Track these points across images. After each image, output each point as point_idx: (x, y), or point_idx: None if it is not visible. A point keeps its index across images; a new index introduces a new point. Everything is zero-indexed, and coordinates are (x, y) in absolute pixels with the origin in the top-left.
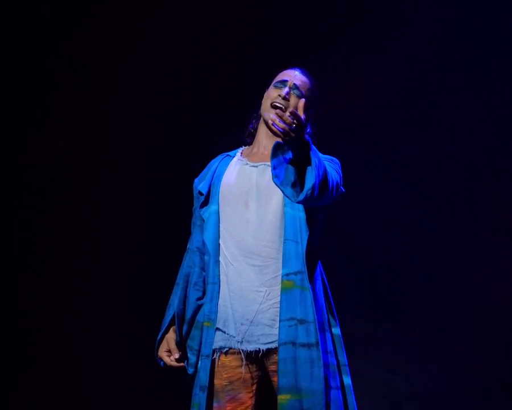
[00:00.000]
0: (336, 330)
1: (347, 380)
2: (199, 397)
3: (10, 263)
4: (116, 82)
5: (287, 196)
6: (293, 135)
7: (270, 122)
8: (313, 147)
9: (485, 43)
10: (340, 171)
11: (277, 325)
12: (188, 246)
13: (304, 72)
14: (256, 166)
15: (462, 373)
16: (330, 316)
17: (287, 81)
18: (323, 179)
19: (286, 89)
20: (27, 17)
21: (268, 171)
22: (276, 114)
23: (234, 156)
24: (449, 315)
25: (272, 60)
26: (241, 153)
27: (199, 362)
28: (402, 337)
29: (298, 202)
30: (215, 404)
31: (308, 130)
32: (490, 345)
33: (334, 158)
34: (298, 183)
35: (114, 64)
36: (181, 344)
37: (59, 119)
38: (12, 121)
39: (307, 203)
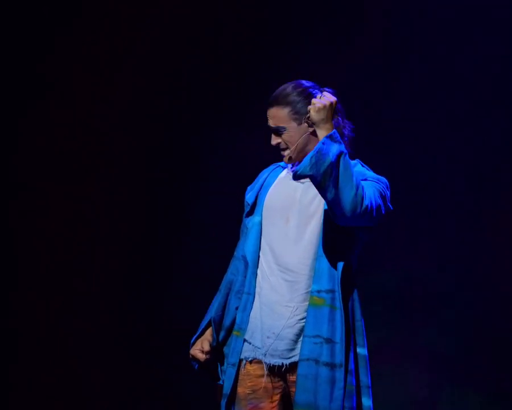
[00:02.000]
0: (362, 350)
1: (366, 402)
2: (221, 405)
3: (10, 263)
4: (116, 82)
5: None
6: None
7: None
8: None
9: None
10: (386, 191)
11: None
12: (234, 253)
13: (276, 100)
14: (303, 182)
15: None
16: (358, 336)
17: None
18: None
19: (272, 140)
20: (25, 16)
21: (313, 189)
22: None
23: (285, 168)
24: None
25: (272, 60)
26: (292, 165)
27: (226, 370)
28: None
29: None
30: None
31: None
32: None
33: (381, 178)
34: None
35: (114, 64)
36: (217, 350)
37: (59, 119)
38: (12, 120)
39: (344, 221)
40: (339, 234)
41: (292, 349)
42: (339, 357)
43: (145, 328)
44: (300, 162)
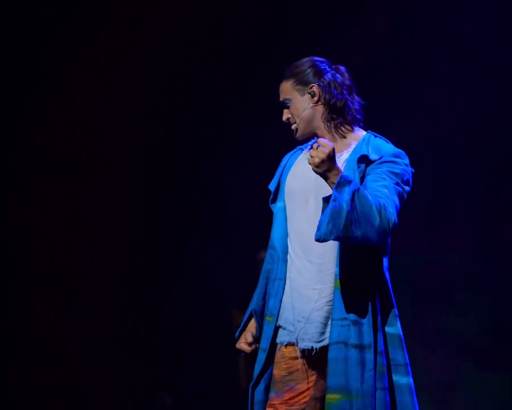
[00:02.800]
0: (392, 329)
1: (402, 380)
2: (249, 388)
3: (9, 263)
4: (117, 82)
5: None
6: (319, 164)
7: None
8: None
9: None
10: (404, 185)
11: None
12: (269, 242)
13: (284, 73)
14: None
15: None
16: (387, 316)
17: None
18: (342, 228)
19: (283, 116)
20: (25, 16)
21: None
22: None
23: (304, 149)
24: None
25: (272, 60)
26: (311, 146)
27: (258, 355)
28: None
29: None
30: (272, 394)
31: (335, 96)
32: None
33: (398, 159)
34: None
35: (114, 64)
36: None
37: (59, 120)
38: (12, 121)
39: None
40: None
41: (323, 333)
42: (368, 338)
43: (145, 328)
44: (308, 136)
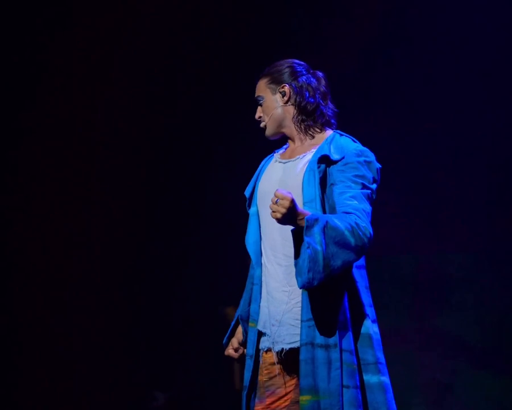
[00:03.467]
0: (361, 328)
1: (373, 379)
2: (242, 397)
3: (8, 262)
4: (116, 82)
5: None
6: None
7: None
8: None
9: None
10: (371, 184)
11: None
12: None
13: (263, 71)
14: (284, 163)
15: None
16: (356, 315)
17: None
18: (319, 269)
19: (256, 113)
20: (24, 17)
21: (294, 167)
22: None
23: (277, 152)
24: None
25: (273, 60)
26: (285, 149)
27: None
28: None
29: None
30: (256, 401)
31: (306, 99)
32: None
33: (362, 159)
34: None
35: (114, 63)
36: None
37: (59, 120)
38: (11, 121)
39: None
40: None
41: (295, 335)
42: (333, 337)
43: (145, 328)
44: (277, 135)
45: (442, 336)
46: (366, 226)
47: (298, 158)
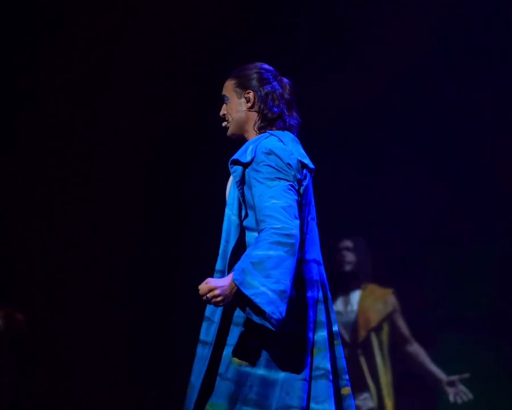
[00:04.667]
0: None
1: (255, 371)
2: None
3: (8, 262)
4: (116, 82)
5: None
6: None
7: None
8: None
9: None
10: (285, 177)
11: None
12: None
13: (232, 72)
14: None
15: None
16: (240, 312)
17: None
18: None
19: (221, 110)
20: (24, 17)
21: (231, 178)
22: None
23: None
24: None
25: (275, 59)
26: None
27: None
28: None
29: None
30: None
31: (270, 107)
32: None
33: (270, 154)
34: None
35: (114, 63)
36: None
37: (59, 119)
38: (11, 121)
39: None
40: (234, 218)
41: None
42: (212, 336)
43: (145, 328)
44: (238, 136)
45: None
46: (283, 225)
47: None
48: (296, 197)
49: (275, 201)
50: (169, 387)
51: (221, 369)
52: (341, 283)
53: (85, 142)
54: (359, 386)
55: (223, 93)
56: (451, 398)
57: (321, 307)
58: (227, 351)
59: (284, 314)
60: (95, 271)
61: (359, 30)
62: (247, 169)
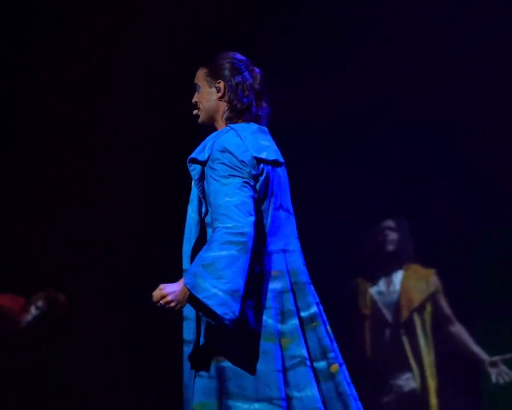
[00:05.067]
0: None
1: (221, 364)
2: None
3: (8, 262)
4: (116, 82)
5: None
6: (176, 306)
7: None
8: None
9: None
10: (239, 174)
11: None
12: None
13: (206, 61)
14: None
15: None
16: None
17: None
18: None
19: (193, 97)
20: (24, 17)
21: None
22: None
23: None
24: None
25: (275, 59)
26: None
27: None
28: None
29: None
30: None
31: (239, 98)
32: None
33: (225, 152)
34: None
35: (114, 63)
36: None
37: (59, 119)
38: (11, 121)
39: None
40: (194, 215)
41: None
42: (193, 333)
43: (145, 328)
44: (208, 124)
45: None
46: (234, 224)
47: None
48: (251, 193)
49: (228, 199)
50: (169, 387)
51: (204, 367)
52: (383, 264)
53: (85, 142)
54: (401, 366)
55: (195, 81)
56: (493, 378)
57: (287, 297)
58: (206, 349)
59: (237, 313)
60: (95, 271)
61: (359, 30)
62: (205, 167)
